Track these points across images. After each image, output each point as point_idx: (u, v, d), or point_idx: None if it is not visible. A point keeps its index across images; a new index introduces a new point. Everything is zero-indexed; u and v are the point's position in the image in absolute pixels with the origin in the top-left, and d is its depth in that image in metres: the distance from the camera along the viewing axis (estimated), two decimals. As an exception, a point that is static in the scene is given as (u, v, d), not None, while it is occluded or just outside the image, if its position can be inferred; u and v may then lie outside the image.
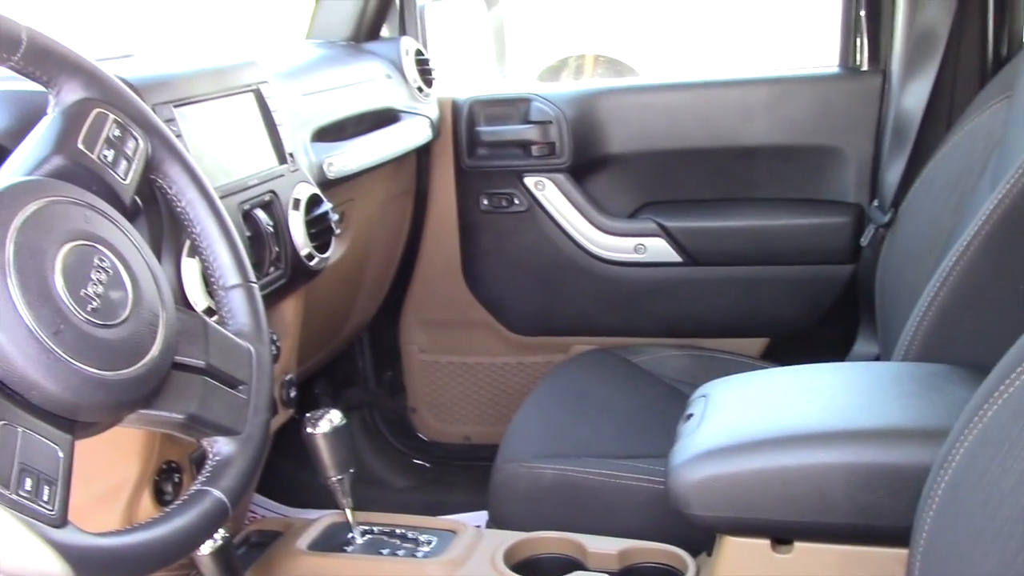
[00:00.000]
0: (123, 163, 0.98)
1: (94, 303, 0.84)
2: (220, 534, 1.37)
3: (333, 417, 1.47)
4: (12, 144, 0.98)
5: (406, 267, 2.31)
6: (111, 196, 0.95)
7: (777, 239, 2.08)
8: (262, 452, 1.00)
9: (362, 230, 1.99)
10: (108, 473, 1.26)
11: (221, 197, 1.29)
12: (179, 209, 1.05)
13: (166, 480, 1.31)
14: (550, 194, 2.15)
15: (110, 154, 0.96)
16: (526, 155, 2.15)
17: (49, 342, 0.79)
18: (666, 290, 2.14)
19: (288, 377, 1.60)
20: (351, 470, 1.51)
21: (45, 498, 0.76)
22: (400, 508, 2.36)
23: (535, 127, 2.12)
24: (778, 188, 2.11)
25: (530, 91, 2.15)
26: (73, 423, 0.83)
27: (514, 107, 2.15)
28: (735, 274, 2.10)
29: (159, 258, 1.18)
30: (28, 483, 0.75)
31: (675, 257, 2.11)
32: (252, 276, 1.08)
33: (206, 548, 1.32)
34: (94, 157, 0.95)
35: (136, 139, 1.00)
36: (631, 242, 2.12)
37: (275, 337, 1.50)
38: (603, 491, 1.55)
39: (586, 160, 2.13)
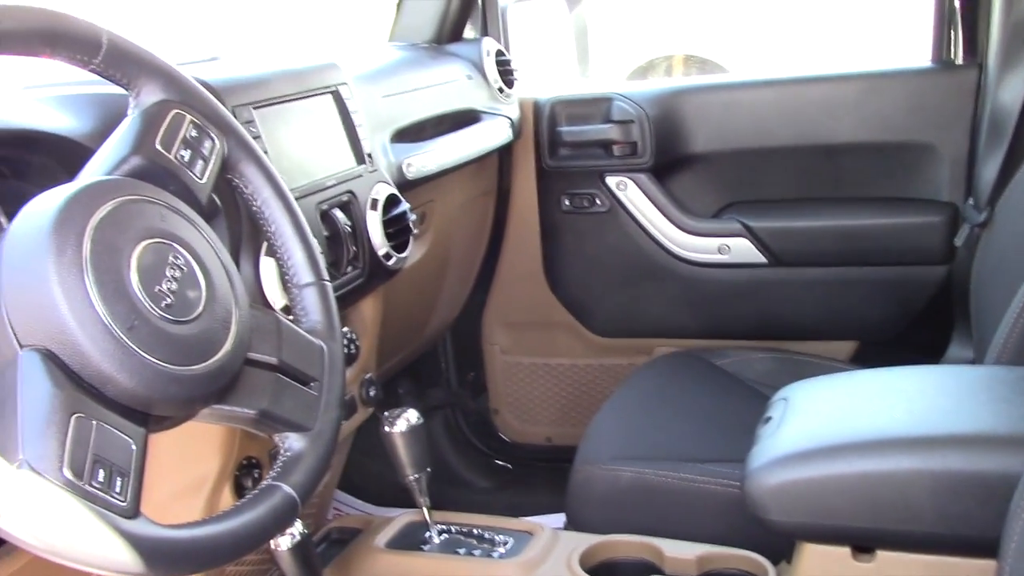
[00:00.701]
0: (199, 163, 0.99)
1: (168, 299, 0.86)
2: (299, 530, 1.39)
3: (410, 416, 1.48)
4: (95, 145, 1.01)
5: (488, 268, 2.32)
6: (187, 195, 0.97)
7: (867, 239, 2.02)
8: (332, 448, 1.01)
9: (443, 231, 2.00)
10: (189, 468, 1.29)
11: (299, 197, 1.32)
12: (255, 208, 1.07)
13: (246, 475, 1.33)
14: (632, 194, 2.13)
15: (187, 154, 0.98)
16: (608, 155, 2.13)
17: (124, 337, 0.81)
18: (751, 291, 2.09)
19: (368, 376, 1.61)
20: (428, 469, 1.52)
21: (118, 489, 0.78)
22: (481, 509, 2.37)
23: (617, 126, 2.10)
24: (867, 187, 2.05)
25: (611, 90, 2.13)
26: (147, 417, 0.85)
27: (596, 107, 2.14)
28: (822, 275, 2.05)
29: (238, 256, 1.20)
30: (101, 474, 0.77)
31: (760, 258, 2.06)
32: (325, 275, 1.09)
33: (285, 543, 1.34)
34: (171, 157, 0.97)
35: (213, 139, 1.02)
36: (715, 243, 2.09)
37: (354, 336, 1.52)
38: (682, 494, 1.52)
39: (669, 159, 2.11)
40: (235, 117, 1.23)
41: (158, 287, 0.86)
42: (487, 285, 2.34)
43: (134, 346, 0.82)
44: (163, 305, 0.85)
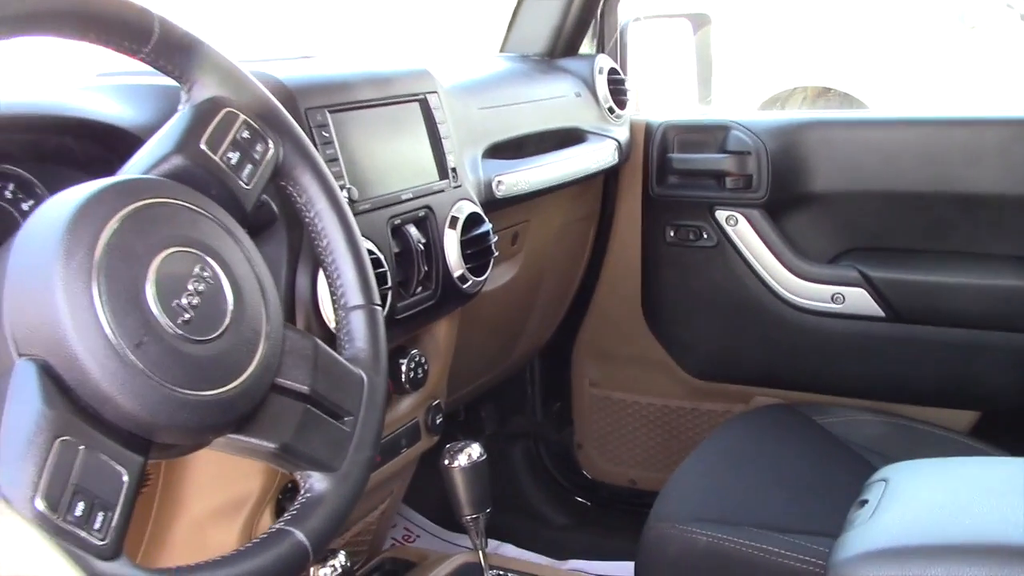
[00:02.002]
0: (248, 167, 0.92)
1: (187, 315, 0.78)
2: (341, 562, 1.30)
3: (472, 451, 1.38)
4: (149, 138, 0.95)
5: (583, 295, 2.20)
6: (230, 201, 0.90)
7: (1003, 301, 1.82)
8: (359, 493, 0.91)
9: (537, 253, 1.90)
10: (229, 487, 1.22)
11: (370, 210, 1.24)
12: (307, 220, 0.99)
13: (290, 499, 1.25)
14: (742, 230, 1.98)
15: (235, 156, 0.91)
16: (719, 187, 1.99)
17: (130, 355, 0.74)
18: (864, 346, 1.92)
19: (435, 402, 1.52)
20: (487, 509, 1.41)
21: (97, 525, 0.70)
22: (556, 546, 2.27)
23: (732, 157, 1.96)
24: (1007, 243, 1.85)
25: (729, 118, 1.99)
26: (149, 443, 0.77)
27: (711, 134, 2.00)
28: (947, 336, 1.86)
29: (295, 270, 1.13)
30: (80, 507, 0.69)
31: (877, 311, 1.89)
32: (377, 298, 1.00)
33: (325, 575, 1.26)
34: (216, 159, 0.89)
35: (267, 142, 0.94)
36: (829, 290, 1.93)
37: (423, 360, 1.43)
38: (761, 568, 1.38)
39: (785, 196, 1.95)
40: (307, 120, 1.16)
41: (177, 301, 0.78)
42: (581, 313, 2.22)
43: (140, 365, 0.74)
44: (180, 321, 0.77)
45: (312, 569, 1.25)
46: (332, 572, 1.26)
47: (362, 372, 0.95)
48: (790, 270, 1.95)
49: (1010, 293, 1.81)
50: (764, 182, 1.94)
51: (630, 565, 1.57)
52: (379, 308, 1.00)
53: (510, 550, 2.27)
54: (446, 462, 1.38)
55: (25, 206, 1.03)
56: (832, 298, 1.92)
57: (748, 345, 2.04)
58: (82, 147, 1.05)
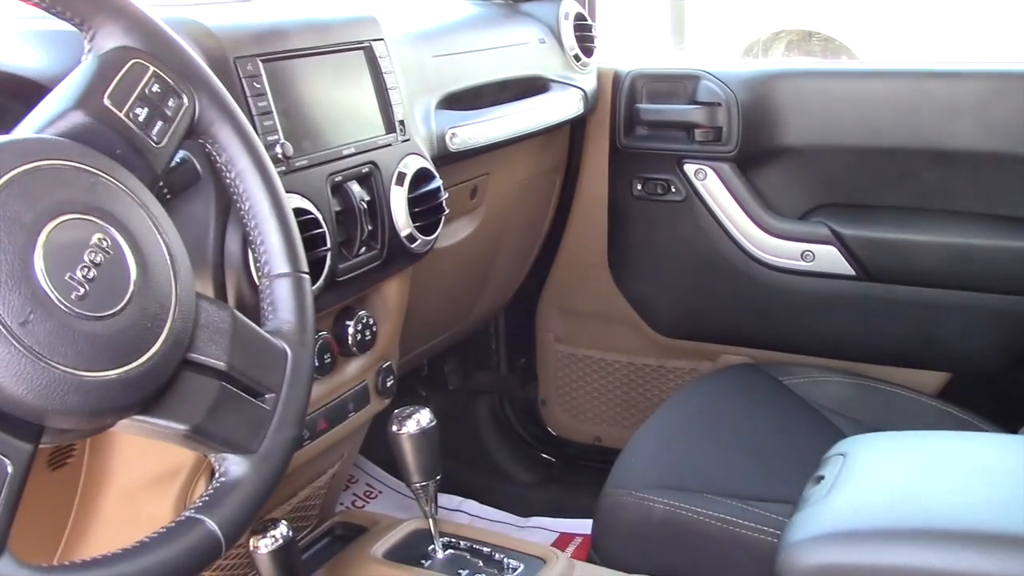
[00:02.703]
0: (158, 124, 0.84)
1: (80, 289, 0.71)
2: (282, 532, 1.25)
3: (422, 417, 1.32)
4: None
5: (548, 250, 2.14)
6: (138, 162, 0.83)
7: (977, 261, 1.77)
8: (278, 477, 0.86)
9: (498, 207, 1.83)
10: (160, 456, 1.16)
11: (308, 167, 1.16)
12: (228, 180, 0.92)
13: None
14: (711, 185, 1.92)
15: (143, 112, 0.83)
16: (689, 139, 1.92)
17: (14, 332, 0.67)
18: (833, 305, 1.87)
19: (386, 364, 1.46)
20: (437, 477, 1.36)
21: None
22: (519, 503, 2.24)
23: (702, 109, 1.89)
24: (984, 202, 1.79)
25: (700, 67, 1.91)
26: (40, 429, 0.71)
27: (680, 84, 1.93)
28: (918, 296, 1.81)
29: (223, 231, 1.06)
30: None
31: (848, 269, 1.83)
32: (304, 266, 0.93)
33: (265, 546, 1.21)
34: (121, 115, 0.82)
35: (180, 96, 0.87)
36: (798, 247, 1.87)
37: (371, 321, 1.37)
38: (719, 537, 1.35)
39: (756, 150, 1.89)
40: (237, 70, 1.09)
41: (70, 274, 0.71)
42: (546, 268, 2.16)
43: (25, 343, 0.67)
44: (74, 296, 0.71)
45: (251, 540, 1.20)
46: (272, 543, 1.21)
47: (286, 346, 0.89)
48: (760, 226, 1.89)
49: (984, 253, 1.76)
50: (734, 135, 1.87)
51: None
52: (306, 276, 0.93)
53: (472, 506, 2.24)
54: (394, 428, 1.32)
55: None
56: (802, 256, 1.87)
57: (716, 303, 1.99)
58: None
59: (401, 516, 1.48)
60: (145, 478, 1.17)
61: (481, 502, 2.24)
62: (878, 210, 1.86)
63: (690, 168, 1.93)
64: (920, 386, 1.78)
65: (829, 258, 1.85)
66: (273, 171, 0.93)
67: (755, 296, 1.93)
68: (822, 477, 1.08)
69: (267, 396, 0.86)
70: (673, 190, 1.96)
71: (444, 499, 2.19)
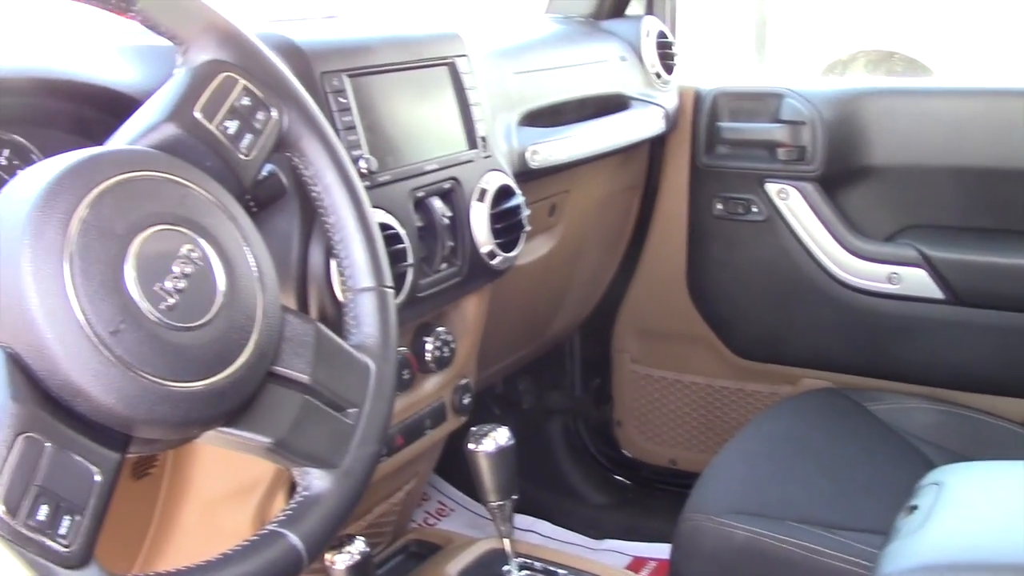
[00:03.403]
0: (247, 137, 0.85)
1: (171, 300, 0.71)
2: (360, 548, 1.25)
3: (499, 436, 1.31)
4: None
5: (625, 269, 2.12)
6: (227, 174, 0.83)
7: None
8: (360, 492, 0.85)
9: (576, 225, 1.82)
10: (240, 469, 1.17)
11: (391, 182, 1.16)
12: (314, 194, 0.92)
13: None
14: (794, 204, 1.88)
15: (233, 125, 0.84)
16: (771, 158, 1.88)
17: (104, 343, 0.67)
18: (920, 329, 1.81)
19: (464, 381, 1.45)
20: (514, 496, 1.34)
21: (62, 531, 0.64)
22: (593, 525, 2.21)
23: (785, 127, 1.85)
24: None
25: (783, 86, 1.88)
26: (127, 439, 0.71)
27: (763, 102, 1.90)
28: (1009, 321, 1.74)
29: (307, 245, 1.06)
30: (43, 511, 0.64)
31: (936, 293, 1.78)
32: (388, 280, 0.93)
33: (342, 562, 1.20)
34: (212, 128, 0.82)
35: (269, 110, 0.87)
36: (884, 269, 1.82)
37: (450, 338, 1.37)
38: (803, 566, 1.31)
39: (841, 170, 1.84)
40: (322, 84, 1.09)
41: (160, 284, 0.71)
42: (623, 288, 2.14)
43: (115, 353, 0.68)
44: (163, 306, 0.71)
45: (328, 555, 1.20)
46: (349, 559, 1.20)
47: (369, 360, 0.88)
48: (844, 247, 1.85)
49: None
50: (819, 154, 1.83)
51: (668, 547, 1.50)
52: (390, 291, 0.93)
53: (545, 527, 2.21)
54: (471, 446, 1.31)
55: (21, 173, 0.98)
56: (888, 278, 1.81)
57: (797, 325, 1.95)
58: (81, 112, 0.99)
59: (474, 535, 1.47)
60: (225, 490, 1.18)
61: (554, 523, 2.21)
62: (968, 232, 1.80)
63: (772, 187, 1.89)
64: (1010, 414, 1.72)
65: (917, 281, 1.79)
66: (359, 185, 0.93)
67: (838, 319, 1.89)
68: (915, 507, 1.04)
69: (350, 410, 0.86)
70: (755, 210, 1.92)
71: (517, 519, 2.15)
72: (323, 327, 0.86)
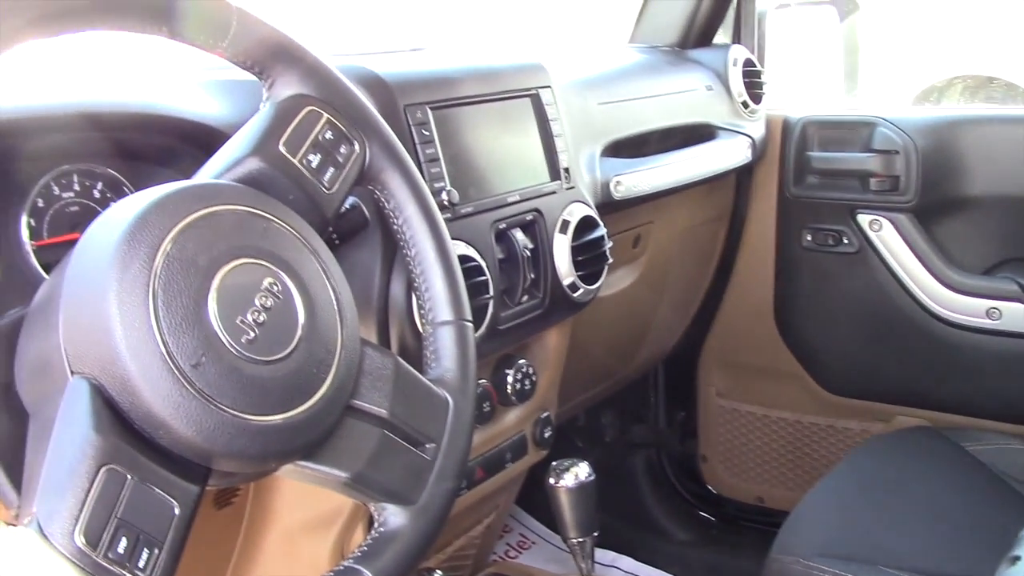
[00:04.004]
0: (330, 171, 0.85)
1: (251, 333, 0.71)
2: (439, 577, 1.24)
3: (580, 471, 1.29)
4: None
5: (711, 301, 2.08)
6: (309, 207, 0.83)
7: None
8: (438, 529, 0.84)
9: (661, 256, 1.79)
10: (321, 500, 1.17)
11: (473, 214, 1.16)
12: (395, 227, 0.92)
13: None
14: (887, 236, 1.82)
15: (316, 159, 0.84)
16: (863, 188, 1.84)
17: (186, 376, 0.68)
18: (1021, 367, 1.74)
19: (544, 415, 1.44)
20: (595, 533, 1.32)
21: (141, 564, 0.64)
22: (677, 562, 2.17)
23: (877, 157, 1.80)
24: None
25: (876, 114, 1.83)
26: (207, 472, 0.71)
27: (855, 131, 1.85)
28: (1120, 360, 1.66)
29: (389, 277, 1.06)
30: (123, 543, 0.64)
31: None
32: (468, 314, 0.92)
33: (419, 594, 1.20)
34: (295, 161, 0.83)
35: (352, 143, 0.87)
36: (983, 304, 1.75)
37: (531, 370, 1.35)
38: (895, 615, 1.25)
39: (936, 200, 1.79)
40: (406, 117, 1.09)
41: (241, 317, 0.71)
42: (708, 320, 2.10)
43: (196, 386, 0.68)
44: (244, 340, 0.71)
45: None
46: (428, 586, 1.20)
47: (447, 395, 0.88)
48: (940, 281, 1.78)
49: None
50: (913, 184, 1.78)
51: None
52: (470, 325, 0.92)
53: (628, 563, 2.18)
54: (552, 481, 1.30)
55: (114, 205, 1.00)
56: (987, 313, 1.75)
57: (890, 360, 1.89)
58: (170, 145, 1.01)
59: (555, 570, 1.45)
60: (305, 521, 1.18)
61: (636, 559, 2.18)
62: None
63: (864, 218, 1.84)
64: (1121, 457, 1.63)
65: (1018, 316, 1.72)
66: (440, 218, 0.92)
67: (934, 355, 1.82)
68: (1018, 557, 0.98)
69: (427, 446, 0.85)
70: (846, 241, 1.87)
71: (599, 554, 2.12)
72: (402, 361, 0.85)
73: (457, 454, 0.86)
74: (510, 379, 1.33)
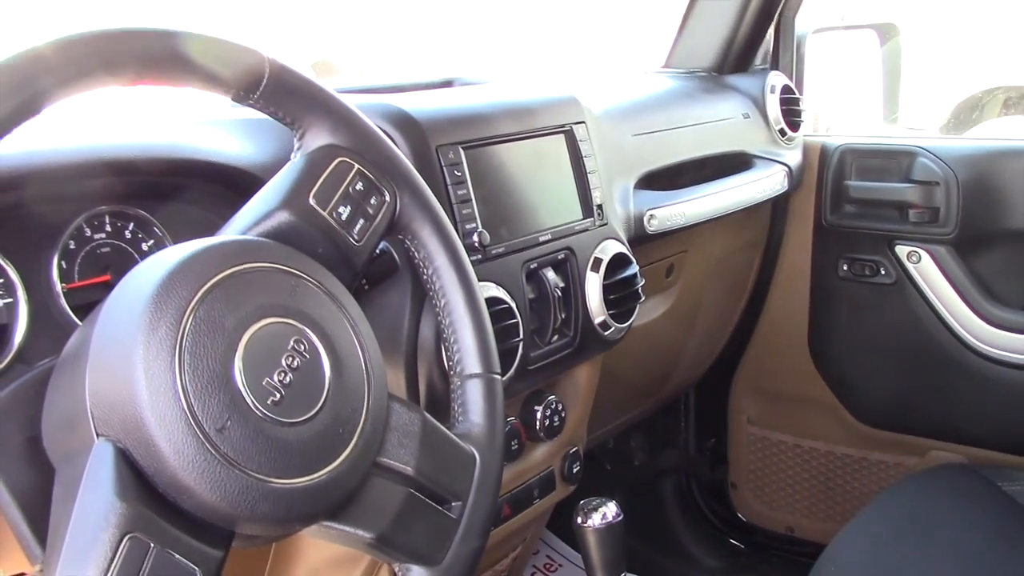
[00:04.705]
0: (360, 223, 0.84)
1: (276, 395, 0.71)
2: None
3: (608, 511, 1.27)
4: (267, 177, 0.90)
5: (744, 328, 2.05)
6: (338, 260, 0.83)
7: None
8: None
9: (694, 285, 1.77)
10: None
11: (504, 255, 1.15)
12: (425, 276, 0.91)
13: None
14: (926, 268, 1.79)
15: (346, 211, 0.83)
16: (902, 219, 1.80)
17: (212, 440, 0.67)
18: None
19: (573, 450, 1.42)
20: (622, 574, 1.30)
21: None
22: (705, 590, 2.15)
23: (917, 187, 1.77)
24: None
25: (916, 143, 1.80)
26: (230, 535, 0.70)
27: (894, 160, 1.82)
28: None
29: (418, 319, 1.05)
30: None
31: None
32: (497, 367, 0.91)
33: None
34: (325, 214, 0.82)
35: (383, 194, 0.87)
36: (1022, 340, 1.71)
37: (560, 406, 1.34)
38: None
39: (977, 233, 1.75)
40: (439, 158, 1.08)
41: (268, 379, 0.71)
42: (741, 347, 2.07)
43: (220, 450, 0.67)
44: (269, 402, 0.70)
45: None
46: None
47: (474, 450, 0.86)
48: (979, 315, 1.75)
49: None
50: (953, 216, 1.75)
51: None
52: (498, 378, 0.91)
53: (655, 589, 2.16)
54: (579, 520, 1.28)
55: (145, 246, 1.00)
56: None
57: (926, 394, 1.85)
58: (201, 186, 1.01)
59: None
60: (331, 557, 1.17)
61: (660, 583, 2.16)
62: None
63: (902, 250, 1.81)
64: None
65: None
66: (470, 269, 0.91)
67: (972, 389, 1.79)
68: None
69: (453, 504, 0.84)
70: (883, 272, 1.84)
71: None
72: (429, 417, 0.84)
73: (483, 512, 0.85)
74: (539, 415, 1.31)
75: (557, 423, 1.34)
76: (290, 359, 0.73)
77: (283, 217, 0.81)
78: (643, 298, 1.34)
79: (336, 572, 1.19)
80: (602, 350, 1.34)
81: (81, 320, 0.92)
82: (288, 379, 0.72)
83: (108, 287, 0.96)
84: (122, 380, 0.67)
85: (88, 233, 0.96)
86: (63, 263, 0.94)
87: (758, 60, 1.97)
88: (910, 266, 1.81)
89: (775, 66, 1.94)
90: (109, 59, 0.70)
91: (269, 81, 0.80)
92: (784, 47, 1.94)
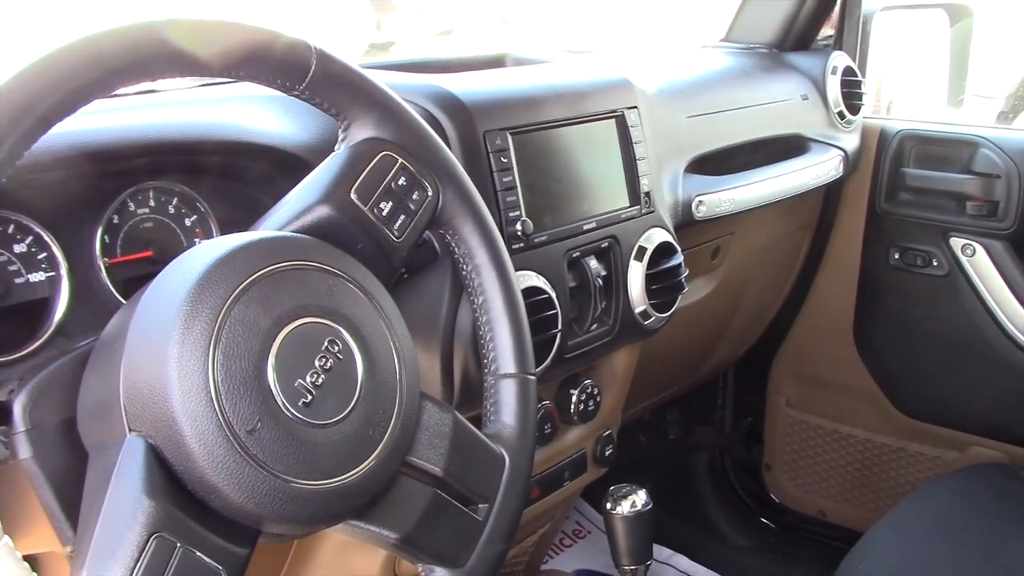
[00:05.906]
0: (401, 218, 0.83)
1: (308, 397, 0.70)
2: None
3: (638, 499, 1.27)
4: (312, 158, 0.89)
5: (789, 310, 2.02)
6: (377, 256, 0.82)
7: None
8: None
9: (739, 267, 1.75)
10: (349, 562, 1.17)
11: (547, 243, 1.13)
12: (464, 272, 0.90)
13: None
14: (980, 263, 1.75)
15: (387, 207, 0.83)
16: (959, 211, 1.76)
17: (241, 441, 0.67)
18: None
19: (607, 433, 1.42)
20: (648, 562, 1.31)
21: None
22: (733, 567, 2.15)
23: (977, 179, 1.72)
24: None
25: (978, 133, 1.74)
26: (256, 534, 0.71)
27: (955, 149, 1.76)
28: None
29: (457, 306, 1.04)
30: None
31: None
32: (532, 367, 0.90)
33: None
34: (366, 210, 0.81)
35: (426, 189, 0.85)
36: None
37: (596, 390, 1.33)
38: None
39: None
40: (486, 144, 1.07)
41: (300, 380, 0.70)
42: (784, 329, 2.05)
43: (249, 451, 0.67)
44: (300, 403, 0.70)
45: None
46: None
47: (504, 451, 0.86)
48: None
49: None
50: (1013, 211, 1.70)
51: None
52: (532, 379, 0.90)
53: (682, 562, 2.16)
54: (608, 506, 1.28)
55: (188, 221, 1.00)
56: None
57: (970, 389, 1.82)
58: (246, 164, 1.00)
59: (608, 562, 1.43)
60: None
61: (692, 559, 2.16)
62: None
63: (957, 242, 1.77)
64: None
65: None
66: (510, 268, 0.90)
67: (1018, 388, 1.75)
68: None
69: (480, 506, 0.84)
70: (935, 263, 1.80)
71: (655, 549, 2.12)
72: (460, 416, 0.84)
73: (509, 516, 0.85)
74: (574, 399, 1.30)
75: (592, 407, 1.33)
76: (323, 360, 0.72)
77: (324, 212, 0.80)
78: (686, 288, 1.32)
79: (362, 549, 1.19)
80: (641, 339, 1.33)
81: (122, 295, 0.93)
82: (320, 380, 0.72)
83: (150, 262, 0.96)
84: (155, 379, 0.67)
85: (132, 208, 0.96)
86: (106, 237, 0.94)
87: (821, 37, 1.91)
88: (964, 259, 1.76)
89: (838, 44, 1.88)
90: (159, 51, 0.69)
91: (316, 72, 0.78)
92: (849, 25, 1.88)
